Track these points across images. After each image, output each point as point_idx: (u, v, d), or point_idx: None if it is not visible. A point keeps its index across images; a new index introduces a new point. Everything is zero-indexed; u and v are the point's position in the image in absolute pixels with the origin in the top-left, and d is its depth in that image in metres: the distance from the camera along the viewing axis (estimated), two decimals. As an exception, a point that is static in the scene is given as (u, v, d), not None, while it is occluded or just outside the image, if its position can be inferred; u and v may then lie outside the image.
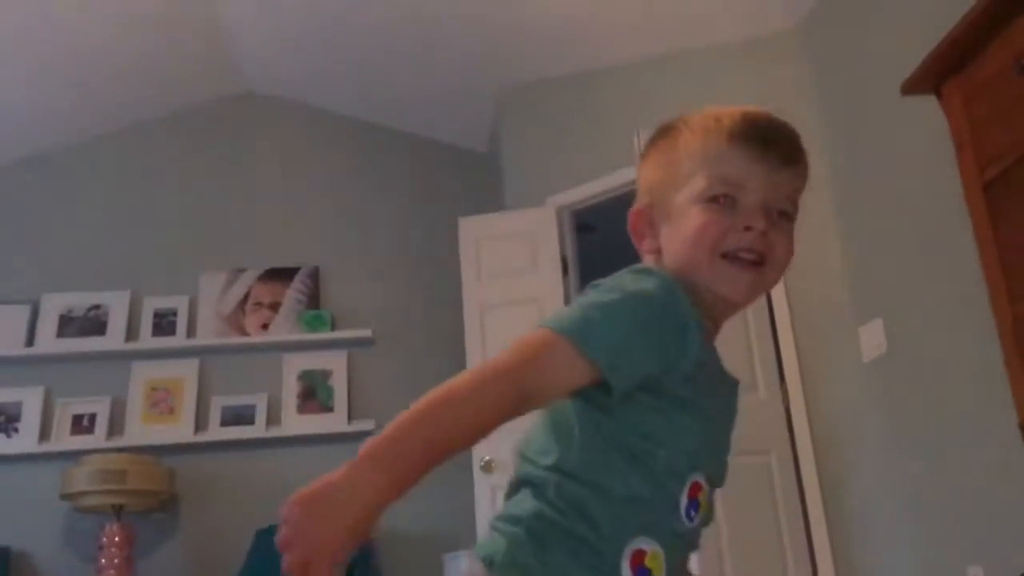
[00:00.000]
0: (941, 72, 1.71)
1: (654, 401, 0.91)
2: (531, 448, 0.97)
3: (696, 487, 0.93)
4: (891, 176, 2.95)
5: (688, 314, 0.91)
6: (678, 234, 0.97)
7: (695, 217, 0.95)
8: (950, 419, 2.68)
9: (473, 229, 4.22)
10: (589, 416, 0.91)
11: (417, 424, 0.87)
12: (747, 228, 0.94)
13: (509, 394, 0.85)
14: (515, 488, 0.97)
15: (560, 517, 0.89)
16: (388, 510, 3.28)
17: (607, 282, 0.94)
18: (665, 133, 1.05)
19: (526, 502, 0.92)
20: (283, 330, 4.71)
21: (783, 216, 0.96)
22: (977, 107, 1.65)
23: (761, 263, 0.95)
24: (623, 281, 0.92)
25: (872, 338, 3.14)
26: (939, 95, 1.76)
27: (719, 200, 0.95)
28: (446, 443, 0.87)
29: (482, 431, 0.86)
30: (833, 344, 3.33)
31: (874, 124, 3.06)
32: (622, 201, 4.09)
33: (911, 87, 1.77)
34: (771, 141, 0.95)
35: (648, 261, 1.00)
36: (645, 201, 1.01)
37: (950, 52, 1.65)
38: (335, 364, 4.72)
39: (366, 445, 0.88)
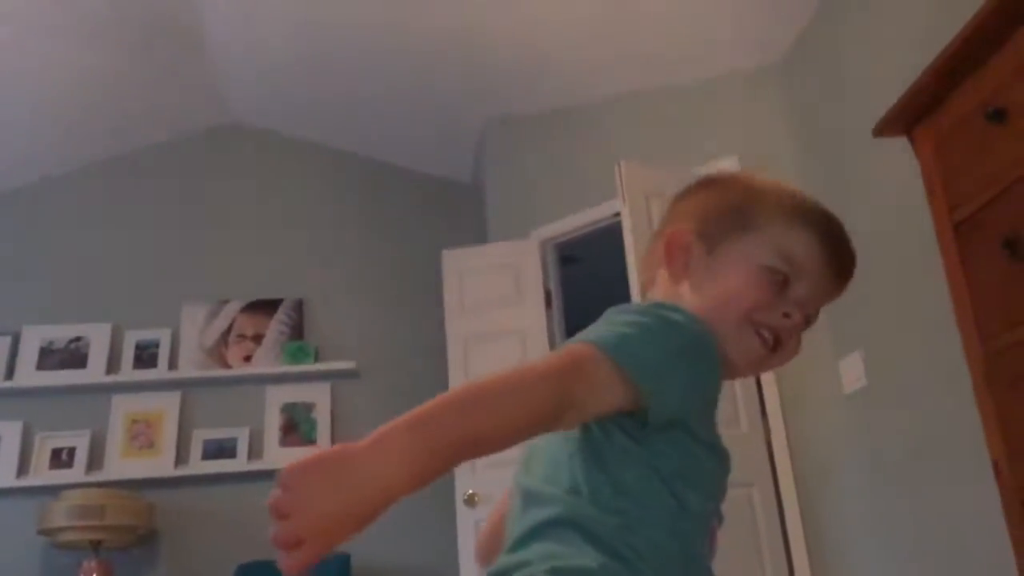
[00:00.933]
0: (911, 117, 1.75)
1: (685, 438, 0.86)
2: (555, 480, 0.86)
3: (714, 533, 0.92)
4: (868, 213, 2.99)
5: (716, 353, 0.88)
6: (719, 281, 0.93)
7: (746, 277, 0.92)
8: (927, 453, 2.70)
9: (456, 261, 4.23)
10: (629, 448, 0.83)
11: (454, 413, 0.77)
12: (785, 315, 0.93)
13: (552, 399, 0.77)
14: (540, 529, 0.85)
15: (625, 569, 0.80)
16: (373, 542, 3.31)
17: (633, 308, 0.89)
18: (738, 177, 1.04)
19: (582, 552, 0.81)
20: (266, 362, 4.69)
21: (807, 320, 0.95)
22: (947, 151, 1.68)
23: (775, 349, 0.95)
24: (654, 310, 0.87)
25: (852, 371, 3.17)
26: (911, 138, 1.80)
27: (775, 275, 0.93)
28: (482, 437, 0.77)
29: (518, 433, 0.77)
30: (814, 377, 3.35)
31: (851, 162, 3.11)
32: (605, 233, 4.14)
33: (882, 131, 1.81)
34: (842, 252, 0.95)
35: (658, 292, 0.97)
36: (693, 227, 0.96)
37: (918, 98, 1.69)
38: (318, 396, 4.70)
39: (390, 426, 0.78)
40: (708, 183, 1.03)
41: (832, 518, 3.21)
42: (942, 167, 1.69)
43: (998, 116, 1.51)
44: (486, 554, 1.04)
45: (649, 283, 1.03)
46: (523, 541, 0.85)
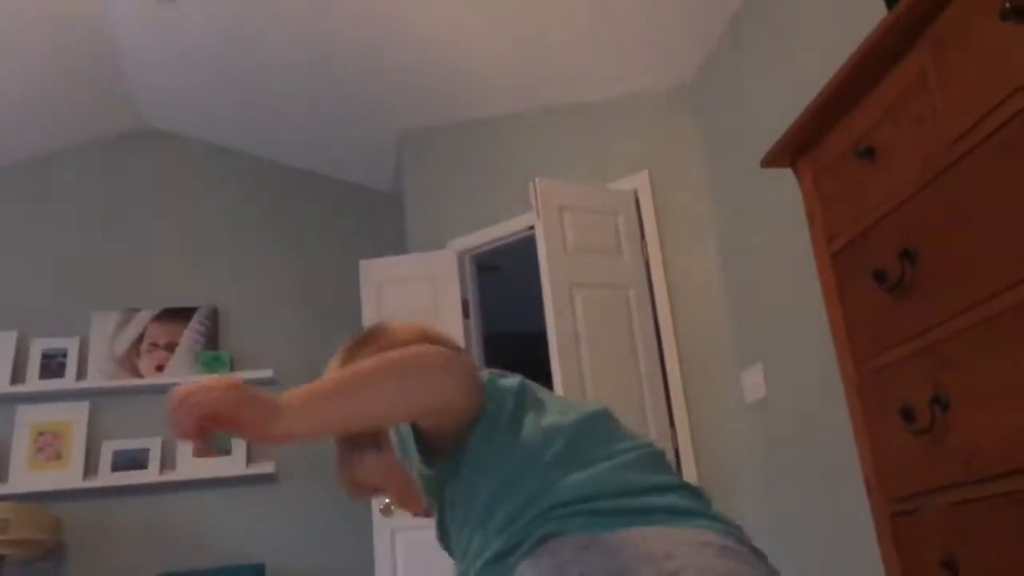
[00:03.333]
0: (794, 151, 1.85)
1: None
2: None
3: None
4: (769, 232, 3.13)
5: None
6: None
7: None
8: (820, 464, 2.83)
9: (374, 271, 4.24)
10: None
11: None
12: None
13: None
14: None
15: None
16: (287, 550, 3.36)
17: None
18: None
19: None
20: (179, 371, 4.62)
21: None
22: (824, 184, 1.79)
23: None
24: None
25: (753, 381, 3.30)
26: (795, 170, 1.90)
27: None
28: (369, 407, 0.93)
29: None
30: (719, 387, 3.47)
31: (754, 182, 3.24)
32: (523, 243, 4.19)
33: (769, 162, 1.90)
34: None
35: None
36: None
37: (800, 134, 1.79)
38: (233, 405, 4.65)
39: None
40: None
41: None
42: (821, 199, 1.80)
43: (867, 155, 1.62)
44: None
45: None
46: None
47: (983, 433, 1.36)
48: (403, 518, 3.92)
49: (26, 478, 4.29)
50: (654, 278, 3.71)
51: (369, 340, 1.19)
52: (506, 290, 5.92)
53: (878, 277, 1.59)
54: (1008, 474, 1.32)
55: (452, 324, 4.13)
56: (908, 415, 1.53)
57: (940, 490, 1.48)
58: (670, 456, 3.51)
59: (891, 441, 1.62)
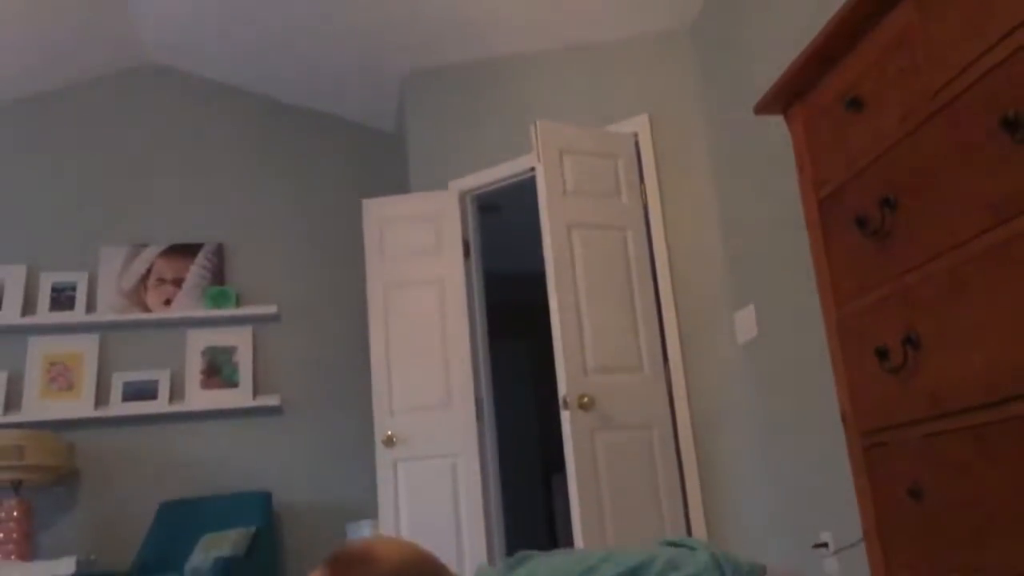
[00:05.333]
0: (787, 98, 1.91)
1: None
2: None
3: None
4: (765, 175, 3.19)
5: None
6: None
7: None
8: (806, 401, 2.94)
9: (377, 210, 4.31)
10: None
11: None
12: None
13: None
14: None
15: None
16: (293, 480, 3.54)
17: None
18: None
19: None
20: (186, 306, 4.73)
21: None
22: (814, 132, 1.85)
23: None
24: None
25: (745, 322, 3.39)
26: (786, 118, 1.96)
27: None
28: None
29: None
30: (712, 328, 3.57)
31: (751, 128, 3.29)
32: (524, 185, 4.26)
33: (762, 109, 1.96)
34: None
35: None
36: None
37: (792, 82, 1.84)
38: (240, 340, 4.77)
39: None
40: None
41: (724, 458, 3.47)
42: (810, 147, 1.86)
43: (855, 105, 1.68)
44: None
45: None
46: None
47: (950, 371, 1.45)
48: (403, 448, 4.05)
49: (39, 407, 4.43)
50: (652, 221, 3.78)
51: (355, 565, 1.11)
52: (506, 231, 5.99)
53: (860, 223, 1.67)
54: (970, 409, 1.41)
55: (453, 263, 4.22)
56: (883, 354, 1.62)
57: (910, 424, 1.58)
58: (664, 390, 3.63)
59: (866, 379, 1.72)
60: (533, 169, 4.04)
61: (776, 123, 3.07)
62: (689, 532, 3.53)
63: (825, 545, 2.77)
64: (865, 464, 1.74)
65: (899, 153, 1.55)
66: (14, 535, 4.08)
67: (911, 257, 1.54)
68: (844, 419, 1.81)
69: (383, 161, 5.24)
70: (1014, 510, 1.31)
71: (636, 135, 3.86)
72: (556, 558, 1.15)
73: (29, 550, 4.15)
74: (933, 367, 1.50)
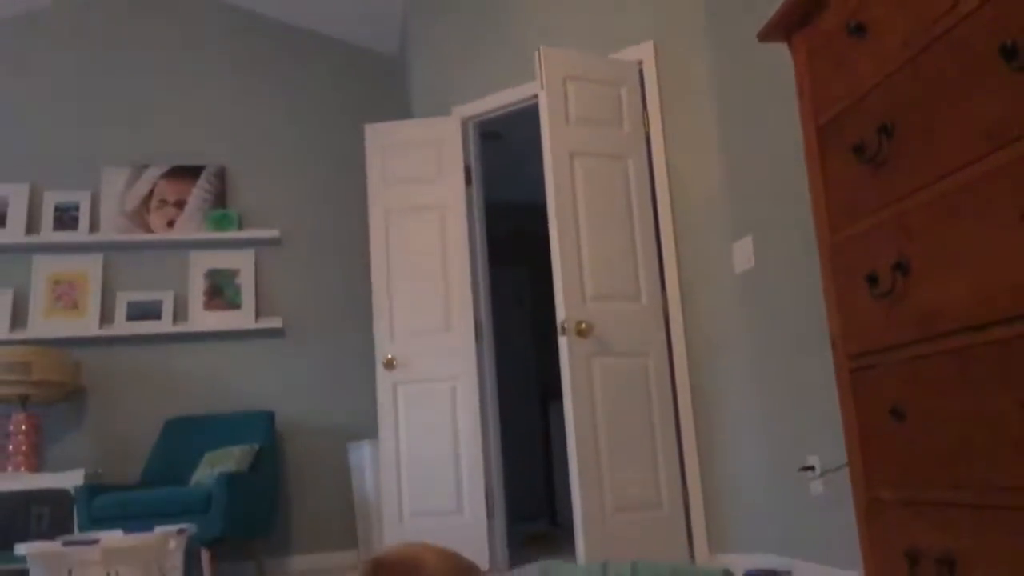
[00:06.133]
0: (790, 25, 1.91)
1: None
2: None
3: None
4: (767, 106, 3.18)
5: None
6: None
7: None
8: (799, 330, 2.99)
9: (379, 135, 4.30)
10: None
11: None
12: None
13: None
14: None
15: None
16: (295, 401, 3.64)
17: None
18: None
19: None
20: (189, 228, 4.76)
21: None
22: (817, 59, 1.85)
23: None
24: None
25: (743, 253, 3.43)
26: (790, 45, 1.96)
27: None
28: None
29: None
30: (710, 258, 3.61)
31: (755, 56, 3.26)
32: (526, 112, 4.24)
33: (765, 36, 1.96)
34: None
35: None
36: None
37: (795, 9, 1.84)
38: (242, 263, 4.81)
39: None
40: None
41: (717, 385, 3.54)
42: (812, 74, 1.87)
43: (859, 31, 1.68)
44: None
45: None
46: None
47: (937, 297, 1.49)
48: (404, 371, 4.13)
49: (45, 325, 4.50)
50: (654, 150, 3.78)
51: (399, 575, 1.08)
52: (507, 159, 5.98)
53: (857, 150, 1.69)
54: (955, 332, 1.46)
55: (455, 189, 4.23)
56: (873, 280, 1.66)
57: (896, 348, 1.63)
58: (660, 318, 3.69)
59: (856, 304, 1.76)
60: (536, 96, 4.02)
61: (780, 53, 3.05)
62: (681, 456, 3.63)
63: (812, 468, 2.86)
64: (851, 387, 1.80)
65: (899, 80, 1.56)
66: (23, 448, 4.18)
67: (906, 184, 1.56)
68: (833, 344, 1.86)
69: (386, 86, 5.20)
70: (993, 429, 1.36)
71: (640, 63, 3.83)
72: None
73: (37, 463, 4.27)
74: (921, 292, 1.53)
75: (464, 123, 4.30)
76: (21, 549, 3.04)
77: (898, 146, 1.58)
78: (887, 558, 1.68)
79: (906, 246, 1.57)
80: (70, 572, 3.04)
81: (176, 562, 3.50)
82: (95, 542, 3.10)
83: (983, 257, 1.37)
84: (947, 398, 1.48)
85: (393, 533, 4.01)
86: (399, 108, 5.15)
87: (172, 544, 3.43)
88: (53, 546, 3.10)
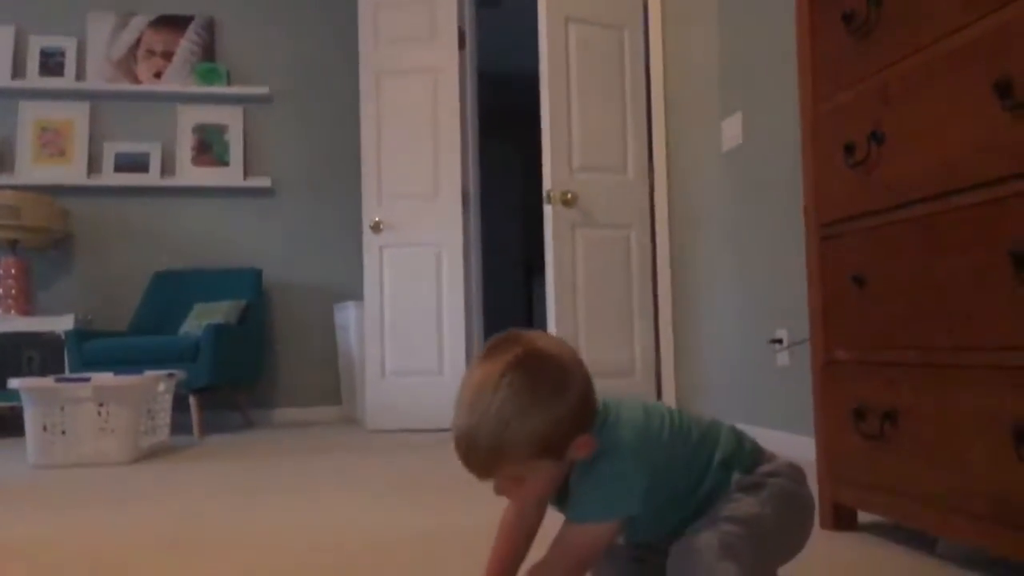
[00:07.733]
0: None
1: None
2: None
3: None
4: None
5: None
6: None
7: None
8: (779, 206, 3.04)
9: (371, -8, 4.20)
10: None
11: None
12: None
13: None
14: None
15: None
16: (283, 259, 3.73)
17: (614, 457, 1.11)
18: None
19: None
20: (177, 81, 4.69)
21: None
22: (815, -76, 1.83)
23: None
24: (620, 462, 1.11)
25: (731, 130, 3.44)
26: (790, -93, 1.92)
27: None
28: None
29: None
30: (698, 135, 3.61)
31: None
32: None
33: None
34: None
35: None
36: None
37: None
38: (231, 119, 4.78)
39: None
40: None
41: (695, 258, 3.62)
42: (809, -60, 1.85)
43: None
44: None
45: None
46: None
47: (908, 166, 1.53)
48: (390, 234, 4.17)
49: (32, 171, 4.49)
50: (651, 20, 3.72)
51: (509, 342, 1.11)
52: (506, 29, 5.85)
53: (846, 18, 1.69)
54: (921, 200, 1.51)
55: (448, 52, 4.16)
56: (849, 149, 1.69)
57: (864, 215, 1.68)
58: (646, 192, 3.73)
59: (832, 174, 1.80)
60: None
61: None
62: (656, 326, 3.74)
63: (780, 341, 2.97)
64: (818, 254, 1.86)
65: (892, -54, 1.56)
66: (13, 291, 4.26)
67: (889, 54, 1.58)
68: (806, 213, 1.92)
69: (381, -58, 5.03)
70: (954, 294, 1.43)
71: (643, -72, 3.73)
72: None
73: (28, 307, 4.35)
74: (893, 162, 1.58)
75: (459, -16, 4.20)
76: (14, 383, 3.15)
77: (885, 15, 1.59)
78: (837, 415, 1.79)
79: (883, 116, 1.60)
80: (62, 408, 3.16)
81: (165, 405, 3.64)
82: (87, 380, 3.21)
83: (953, 127, 1.41)
84: (905, 265, 1.55)
85: (374, 390, 4.15)
86: (394, -34, 5.00)
87: (161, 387, 3.56)
88: (46, 382, 3.21)
